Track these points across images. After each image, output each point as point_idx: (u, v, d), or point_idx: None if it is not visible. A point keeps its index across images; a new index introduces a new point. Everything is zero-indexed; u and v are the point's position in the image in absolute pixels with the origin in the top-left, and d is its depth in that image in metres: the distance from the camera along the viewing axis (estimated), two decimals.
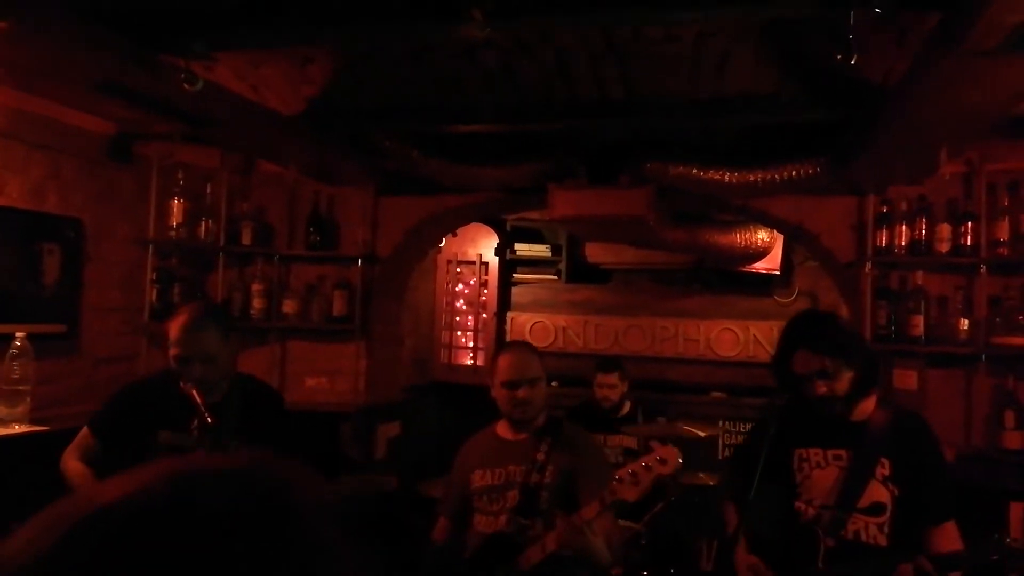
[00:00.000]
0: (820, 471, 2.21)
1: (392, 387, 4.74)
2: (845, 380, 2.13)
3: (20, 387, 3.05)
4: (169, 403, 2.38)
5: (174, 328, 2.37)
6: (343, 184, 4.35)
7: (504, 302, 5.95)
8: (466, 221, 4.92)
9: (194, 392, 2.28)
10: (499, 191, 4.17)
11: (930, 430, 2.26)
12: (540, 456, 2.49)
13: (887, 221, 3.71)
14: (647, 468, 2.20)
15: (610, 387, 4.30)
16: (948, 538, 2.11)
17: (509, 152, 3.93)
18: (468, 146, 3.86)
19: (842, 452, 2.19)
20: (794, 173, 3.61)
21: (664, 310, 5.71)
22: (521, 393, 2.52)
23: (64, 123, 3.42)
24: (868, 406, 2.22)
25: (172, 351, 2.36)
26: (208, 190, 4.08)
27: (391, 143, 3.77)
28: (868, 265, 3.72)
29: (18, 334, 3.06)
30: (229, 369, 2.46)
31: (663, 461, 2.21)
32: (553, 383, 5.94)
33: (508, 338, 5.85)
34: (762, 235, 5.14)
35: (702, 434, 4.07)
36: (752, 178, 3.68)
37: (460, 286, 5.87)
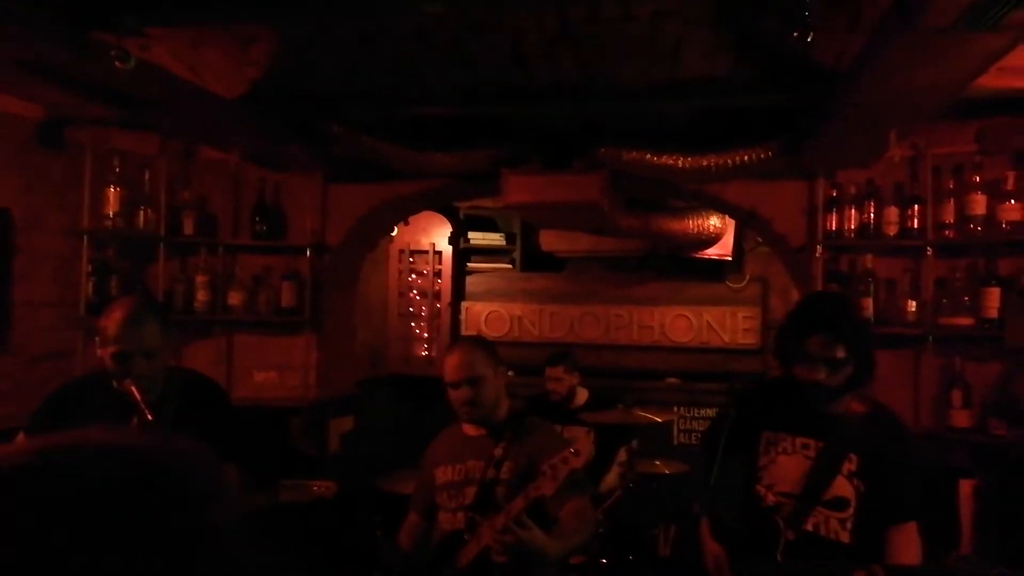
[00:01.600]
0: (785, 457, 2.18)
1: (344, 380, 4.63)
2: (844, 374, 2.09)
3: None
4: (106, 403, 2.25)
5: (110, 323, 2.24)
6: (290, 171, 4.21)
7: (458, 291, 5.88)
8: (418, 209, 4.82)
9: (133, 389, 2.16)
10: (451, 177, 4.08)
11: (904, 429, 2.25)
12: (498, 452, 2.44)
13: (837, 205, 3.74)
14: (563, 460, 2.16)
15: (556, 380, 4.33)
16: (907, 540, 2.08)
17: (461, 138, 3.85)
18: (420, 132, 3.77)
19: (811, 441, 2.16)
20: (747, 158, 3.61)
21: (618, 297, 5.72)
22: (462, 393, 2.43)
23: None
24: (845, 399, 2.19)
25: (109, 348, 2.23)
26: (146, 177, 3.91)
27: (339, 128, 3.65)
28: (819, 249, 3.75)
29: None
30: (167, 364, 2.34)
31: (576, 453, 2.18)
32: (509, 372, 5.91)
33: (463, 328, 5.79)
34: (714, 221, 5.17)
35: (659, 420, 4.07)
36: (705, 163, 3.68)
37: (413, 276, 5.76)
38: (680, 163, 3.71)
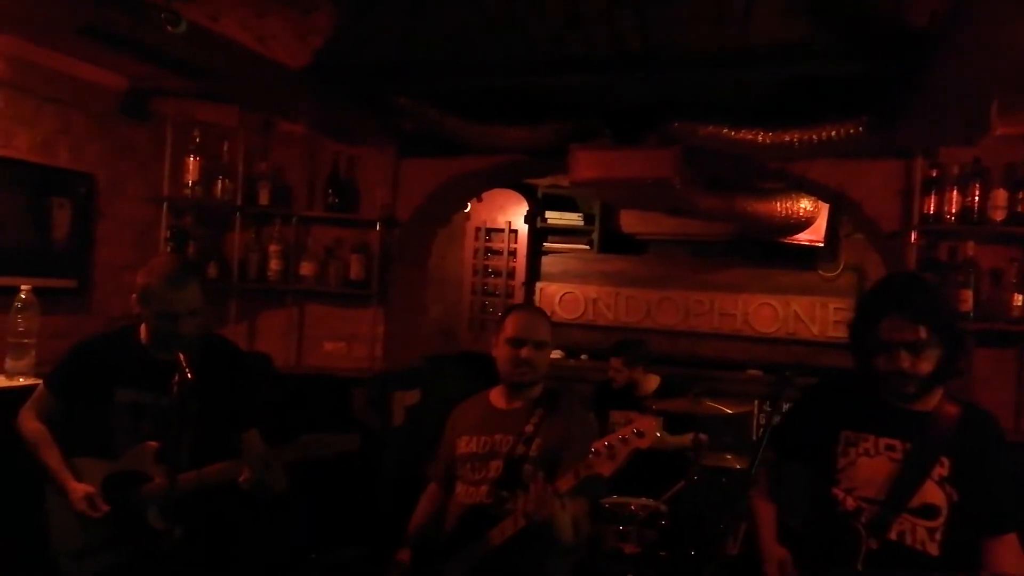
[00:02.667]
0: (868, 459, 1.97)
1: (411, 354, 4.64)
2: (931, 359, 1.88)
3: (25, 340, 3.04)
4: (127, 361, 2.30)
5: (155, 282, 2.27)
6: (363, 144, 4.23)
7: (533, 271, 5.80)
8: (488, 185, 4.75)
9: (181, 356, 2.17)
10: (520, 152, 3.99)
11: (1001, 432, 2.02)
12: (529, 428, 2.37)
13: (936, 186, 3.41)
14: (623, 441, 2.05)
15: (615, 370, 4.26)
16: (1009, 552, 1.87)
17: (531, 112, 3.75)
18: (488, 105, 3.70)
19: (896, 443, 1.95)
20: (833, 133, 3.34)
21: (700, 283, 5.48)
22: (524, 352, 2.39)
23: (75, 76, 3.37)
24: (934, 397, 1.97)
25: (154, 308, 2.27)
26: (225, 148, 4.01)
27: (406, 100, 3.62)
28: (914, 234, 3.43)
29: (23, 287, 3.05)
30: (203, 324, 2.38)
31: (640, 434, 2.05)
32: (583, 356, 5.81)
33: None
34: (804, 204, 4.84)
35: (729, 411, 3.86)
36: (787, 139, 3.42)
37: (488, 254, 5.72)
38: (760, 138, 3.47)
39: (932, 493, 1.89)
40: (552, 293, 5.70)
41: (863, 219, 3.73)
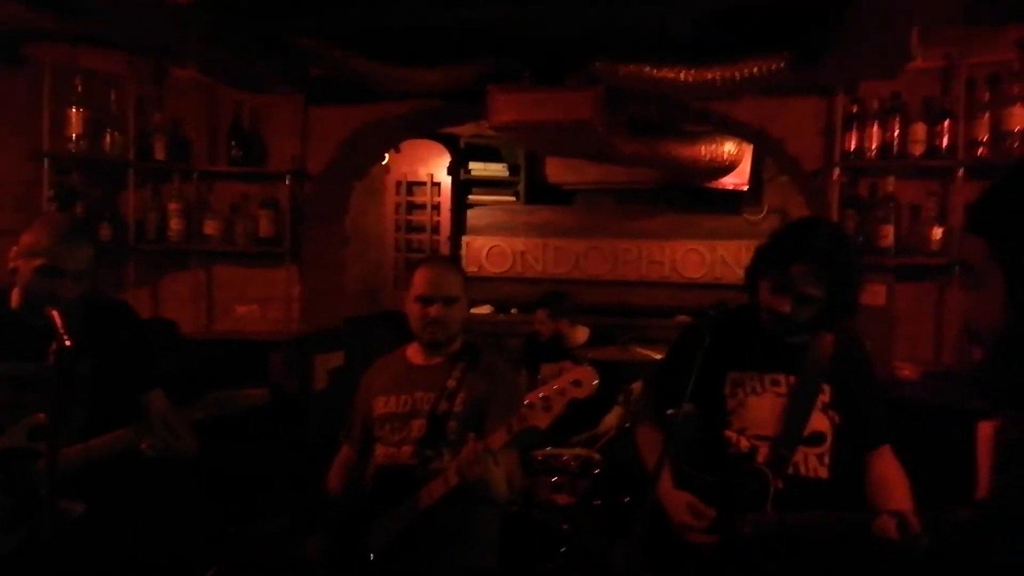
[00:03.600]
0: (756, 398, 1.96)
1: (332, 315, 4.44)
2: (813, 312, 1.88)
3: None
4: (6, 327, 2.07)
5: (42, 234, 2.05)
6: (267, 92, 3.94)
7: (459, 225, 5.62)
8: (405, 133, 4.53)
9: (54, 313, 1.96)
10: (437, 97, 3.78)
11: (866, 349, 2.08)
12: (451, 383, 2.26)
13: (857, 122, 3.38)
14: (560, 392, 1.93)
15: (541, 323, 4.20)
16: (887, 462, 1.95)
17: (446, 53, 3.54)
18: (399, 46, 3.47)
19: (780, 377, 1.96)
20: (755, 70, 3.25)
21: (627, 231, 5.42)
22: (433, 310, 2.26)
23: None
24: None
25: (35, 261, 2.04)
26: (113, 98, 3.67)
27: (311, 41, 3.37)
28: (836, 171, 3.40)
29: None
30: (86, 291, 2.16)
31: (577, 383, 1.94)
32: (512, 310, 5.70)
33: (464, 264, 5.55)
34: (729, 147, 4.80)
35: (658, 357, 3.81)
36: (710, 76, 3.32)
37: (411, 209, 5.51)
38: (682, 76, 3.36)
39: (818, 421, 1.93)
40: (479, 247, 5.55)
41: (786, 158, 3.70)
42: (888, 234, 3.33)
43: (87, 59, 3.60)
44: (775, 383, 1.96)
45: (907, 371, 3.29)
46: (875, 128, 3.34)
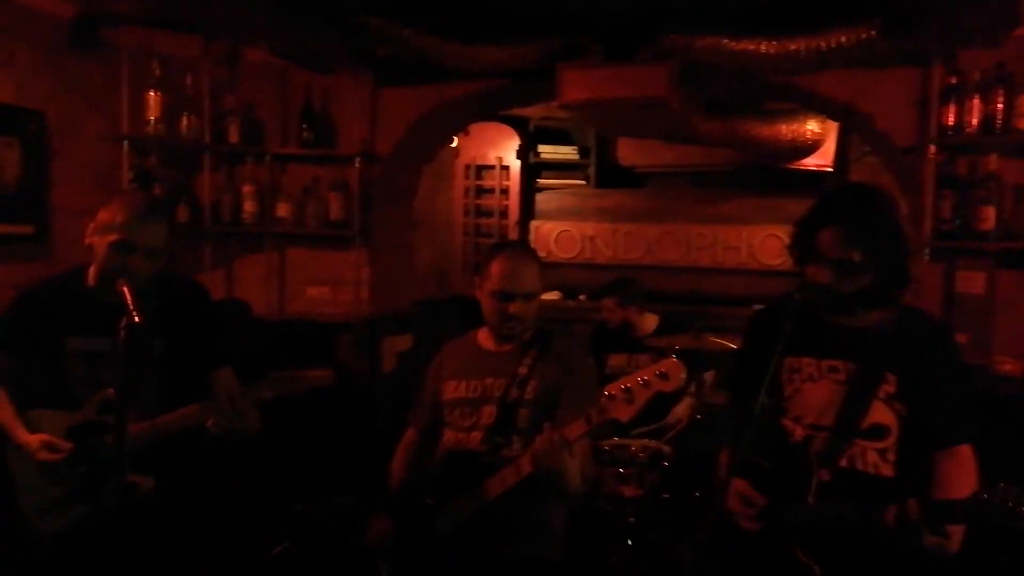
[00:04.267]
0: (812, 384, 1.82)
1: (400, 298, 4.44)
2: (857, 282, 1.74)
3: None
4: (76, 306, 2.12)
5: (120, 213, 2.07)
6: (336, 73, 3.95)
7: (527, 209, 5.54)
8: (474, 115, 4.47)
9: (125, 289, 1.98)
10: (505, 75, 3.71)
11: (948, 333, 1.89)
12: (523, 370, 2.19)
13: (956, 95, 3.13)
14: (644, 384, 1.83)
15: (609, 311, 4.02)
16: (959, 466, 1.73)
17: (514, 29, 3.45)
18: (466, 23, 3.40)
19: (839, 364, 1.80)
20: (843, 39, 3.05)
21: (702, 215, 5.22)
22: (513, 307, 2.18)
23: (14, 3, 3.10)
24: (877, 311, 1.81)
25: (110, 236, 2.07)
26: (188, 82, 3.74)
27: (377, 20, 3.34)
28: (932, 148, 3.16)
29: None
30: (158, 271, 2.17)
31: (664, 376, 1.83)
32: (581, 296, 5.59)
33: None
34: (811, 126, 4.55)
35: (733, 346, 3.65)
36: (793, 47, 3.14)
37: (480, 193, 5.46)
38: (763, 48, 3.18)
39: (881, 412, 1.77)
40: (547, 232, 5.45)
41: (875, 135, 3.46)
42: (989, 216, 3.07)
43: (163, 43, 3.67)
44: (833, 369, 1.81)
45: (1008, 365, 3.04)
46: (976, 101, 3.09)
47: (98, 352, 2.14)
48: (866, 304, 1.79)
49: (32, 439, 2.11)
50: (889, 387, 1.76)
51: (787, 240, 1.91)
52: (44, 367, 2.19)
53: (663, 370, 1.83)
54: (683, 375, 1.84)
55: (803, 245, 1.81)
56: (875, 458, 1.76)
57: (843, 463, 1.76)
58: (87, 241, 2.12)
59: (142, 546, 2.10)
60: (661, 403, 3.70)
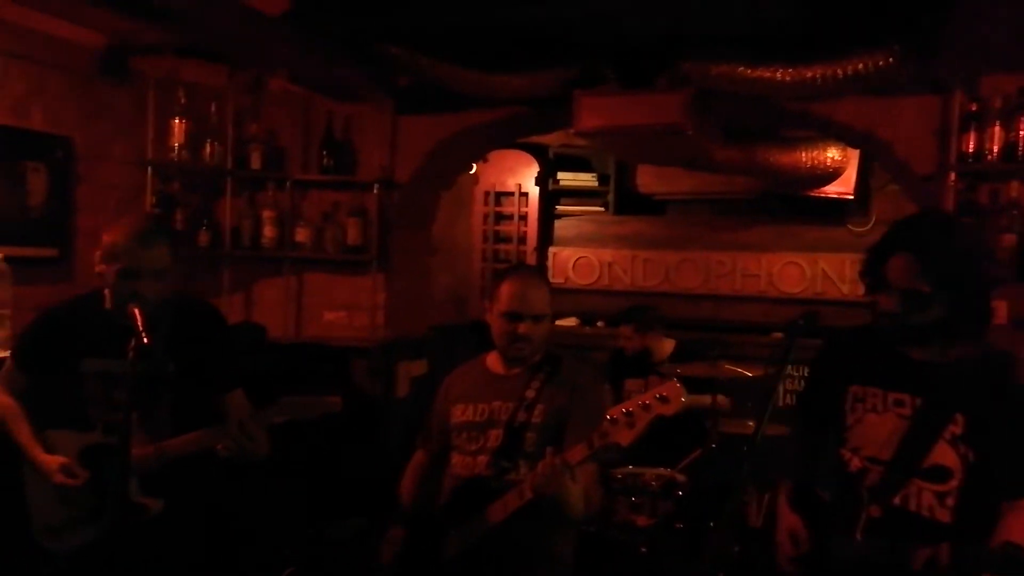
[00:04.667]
0: (876, 416, 1.76)
1: (416, 323, 4.45)
2: (931, 312, 1.67)
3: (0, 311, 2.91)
4: (93, 328, 2.15)
5: (120, 238, 2.11)
6: (357, 102, 4.01)
7: (546, 236, 5.55)
8: (492, 142, 4.51)
9: (136, 312, 2.01)
10: (523, 103, 3.75)
11: (1015, 372, 1.79)
12: (530, 393, 2.17)
13: (976, 122, 3.10)
14: (644, 407, 1.82)
15: (626, 338, 4.03)
16: (1022, 519, 1.64)
17: (531, 58, 3.50)
18: (485, 51, 3.45)
19: (906, 397, 1.74)
20: (860, 66, 3.04)
21: (721, 243, 5.19)
22: (522, 328, 2.17)
23: (48, 34, 3.20)
24: (954, 347, 1.75)
25: (115, 265, 2.11)
26: (213, 109, 3.82)
27: (395, 49, 3.40)
28: (952, 176, 3.13)
29: None
30: (170, 290, 2.20)
31: (664, 400, 1.81)
32: (599, 323, 5.57)
33: (550, 276, 5.47)
34: (832, 153, 4.52)
35: (749, 374, 3.61)
36: (810, 75, 3.13)
37: (499, 220, 5.49)
38: (779, 76, 3.18)
39: (944, 454, 1.69)
40: (566, 258, 5.45)
41: (895, 163, 3.44)
42: (1010, 244, 3.02)
43: (189, 72, 3.76)
44: (899, 403, 1.75)
45: None
46: (997, 128, 3.06)
47: (113, 373, 2.16)
48: (942, 338, 1.73)
49: (50, 460, 2.13)
50: (956, 428, 1.69)
51: (859, 267, 1.86)
52: (61, 387, 2.21)
53: (663, 393, 1.82)
54: (683, 398, 1.82)
55: (874, 272, 1.77)
56: (931, 500, 1.69)
57: (896, 501, 1.71)
58: (96, 269, 2.16)
59: (151, 568, 2.11)
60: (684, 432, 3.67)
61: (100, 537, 2.12)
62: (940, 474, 1.68)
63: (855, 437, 1.79)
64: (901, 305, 1.69)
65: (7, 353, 2.72)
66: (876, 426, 1.76)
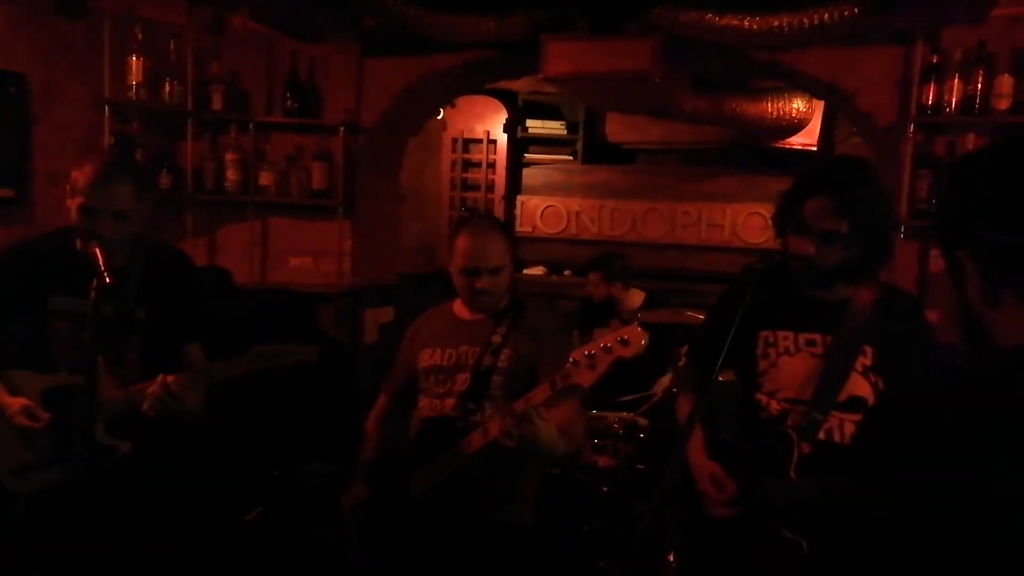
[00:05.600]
0: (789, 358, 1.83)
1: (384, 271, 4.44)
2: (843, 255, 1.74)
3: None
4: (62, 266, 2.11)
5: (82, 175, 2.07)
6: (322, 43, 3.92)
7: (514, 184, 5.54)
8: (460, 87, 4.45)
9: (97, 251, 1.99)
10: (491, 47, 3.70)
11: (922, 312, 1.89)
12: (496, 338, 2.20)
13: (936, 74, 3.14)
14: (606, 350, 1.85)
15: (593, 286, 4.11)
16: None
17: (501, 1, 3.44)
18: None
19: (816, 337, 1.82)
20: (826, 16, 3.06)
21: (687, 193, 5.24)
22: (480, 283, 2.18)
23: None
24: (853, 286, 1.83)
25: (77, 200, 2.08)
26: (172, 48, 3.72)
27: None
28: (911, 128, 3.19)
29: None
30: (139, 231, 2.17)
31: (624, 342, 1.84)
32: (566, 272, 5.62)
33: (518, 224, 5.48)
34: (797, 104, 4.56)
35: None
36: (776, 23, 3.14)
37: (467, 167, 5.46)
38: (746, 24, 3.18)
39: (858, 384, 1.78)
40: (534, 207, 5.46)
41: (857, 114, 3.48)
42: None
43: (147, 9, 3.64)
44: (810, 343, 1.82)
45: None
46: (956, 81, 3.11)
47: (81, 313, 2.14)
48: (846, 278, 1.80)
49: (12, 402, 2.10)
50: (866, 359, 1.77)
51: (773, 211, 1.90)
52: (26, 326, 2.19)
53: (624, 336, 1.85)
54: (643, 341, 1.85)
55: (788, 215, 1.81)
56: (852, 430, 1.76)
57: (820, 436, 1.77)
58: (67, 203, 2.13)
59: (119, 509, 2.12)
60: (647, 374, 3.76)
61: (66, 478, 2.13)
62: (856, 404, 1.77)
63: (770, 381, 1.85)
64: (818, 246, 1.73)
65: None
66: (791, 367, 1.82)
